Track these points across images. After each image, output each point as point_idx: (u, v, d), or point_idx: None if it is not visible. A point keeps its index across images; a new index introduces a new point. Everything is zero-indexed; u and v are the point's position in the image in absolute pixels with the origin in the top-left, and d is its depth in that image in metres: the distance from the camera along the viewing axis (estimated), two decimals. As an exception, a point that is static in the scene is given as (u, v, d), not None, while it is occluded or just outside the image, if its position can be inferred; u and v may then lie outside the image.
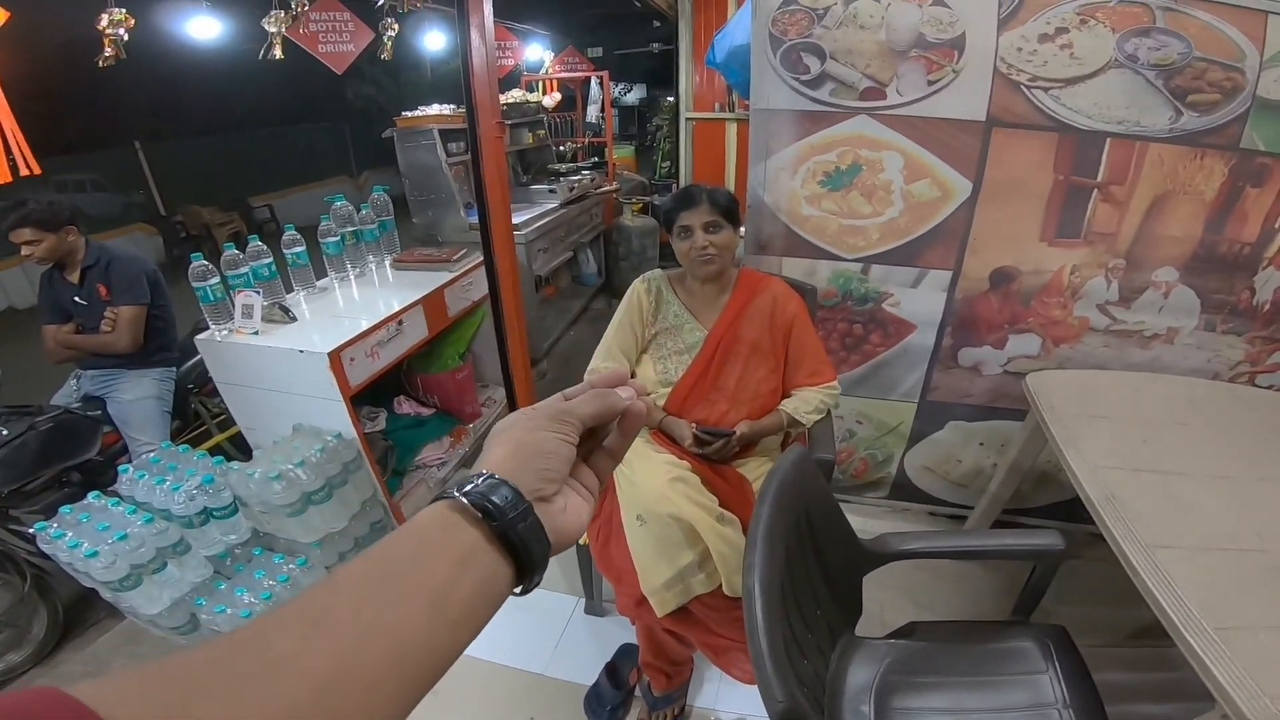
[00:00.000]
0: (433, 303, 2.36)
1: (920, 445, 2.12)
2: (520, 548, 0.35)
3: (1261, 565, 1.05)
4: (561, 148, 5.23)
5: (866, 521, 2.19)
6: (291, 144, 10.08)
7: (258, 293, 2.02)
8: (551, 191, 3.92)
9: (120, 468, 1.85)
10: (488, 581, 0.33)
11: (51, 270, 2.17)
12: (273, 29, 2.71)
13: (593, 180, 4.36)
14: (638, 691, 1.62)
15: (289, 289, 2.28)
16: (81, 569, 1.60)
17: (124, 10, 2.36)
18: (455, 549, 0.33)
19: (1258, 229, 1.63)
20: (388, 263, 2.67)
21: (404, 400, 2.70)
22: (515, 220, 3.04)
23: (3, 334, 5.19)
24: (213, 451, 2.15)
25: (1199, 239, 1.66)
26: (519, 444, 0.38)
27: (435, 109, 3.32)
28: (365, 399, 2.43)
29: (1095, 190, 1.66)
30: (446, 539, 0.33)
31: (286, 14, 2.73)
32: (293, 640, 0.27)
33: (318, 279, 2.41)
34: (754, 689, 0.84)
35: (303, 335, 1.97)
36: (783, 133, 1.77)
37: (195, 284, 1.94)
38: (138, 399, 2.21)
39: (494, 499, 0.34)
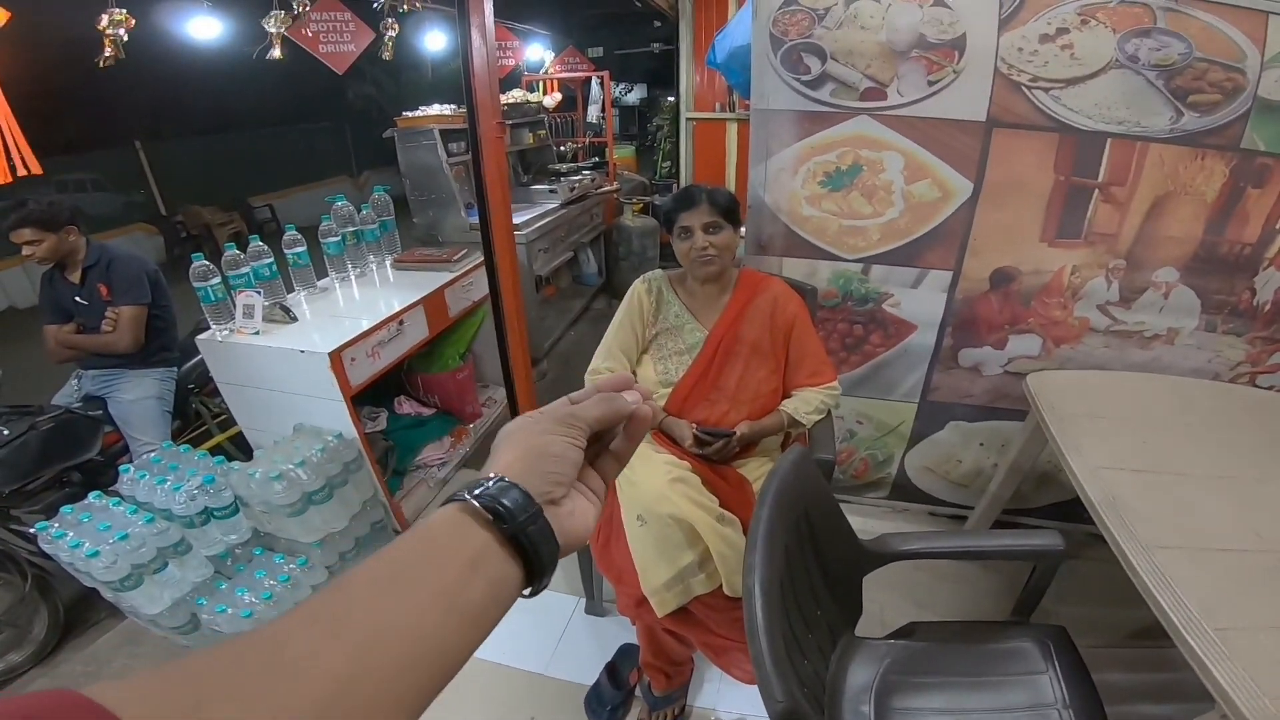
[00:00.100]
0: (433, 303, 2.36)
1: (920, 445, 2.12)
2: (530, 550, 0.35)
3: (1261, 566, 1.05)
4: (562, 148, 5.23)
5: (867, 522, 2.19)
6: (292, 144, 10.08)
7: (259, 293, 2.02)
8: (552, 191, 3.92)
9: (121, 468, 1.85)
10: (498, 583, 0.34)
11: (52, 270, 2.18)
12: (273, 29, 2.72)
13: (593, 180, 4.36)
14: (638, 691, 1.62)
15: (290, 289, 2.29)
16: (82, 569, 1.61)
17: (124, 10, 2.36)
18: (466, 551, 0.33)
19: (1258, 229, 1.63)
20: (388, 263, 2.67)
21: (405, 400, 2.71)
22: (516, 220, 3.04)
23: (3, 334, 5.20)
24: (213, 451, 2.15)
25: (1199, 239, 1.66)
26: (527, 447, 0.38)
27: (436, 109, 3.32)
28: (366, 399, 2.43)
29: (1096, 191, 1.66)
30: (457, 541, 0.33)
31: (287, 14, 2.73)
32: (307, 641, 0.27)
33: (318, 279, 2.41)
34: (754, 689, 0.84)
35: (304, 335, 1.98)
36: (783, 133, 1.77)
37: (196, 284, 1.94)
38: (139, 399, 2.21)
39: (504, 502, 0.34)
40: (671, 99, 5.74)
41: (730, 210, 1.49)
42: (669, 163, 6.12)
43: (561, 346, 3.88)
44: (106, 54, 2.38)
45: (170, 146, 8.19)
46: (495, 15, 1.96)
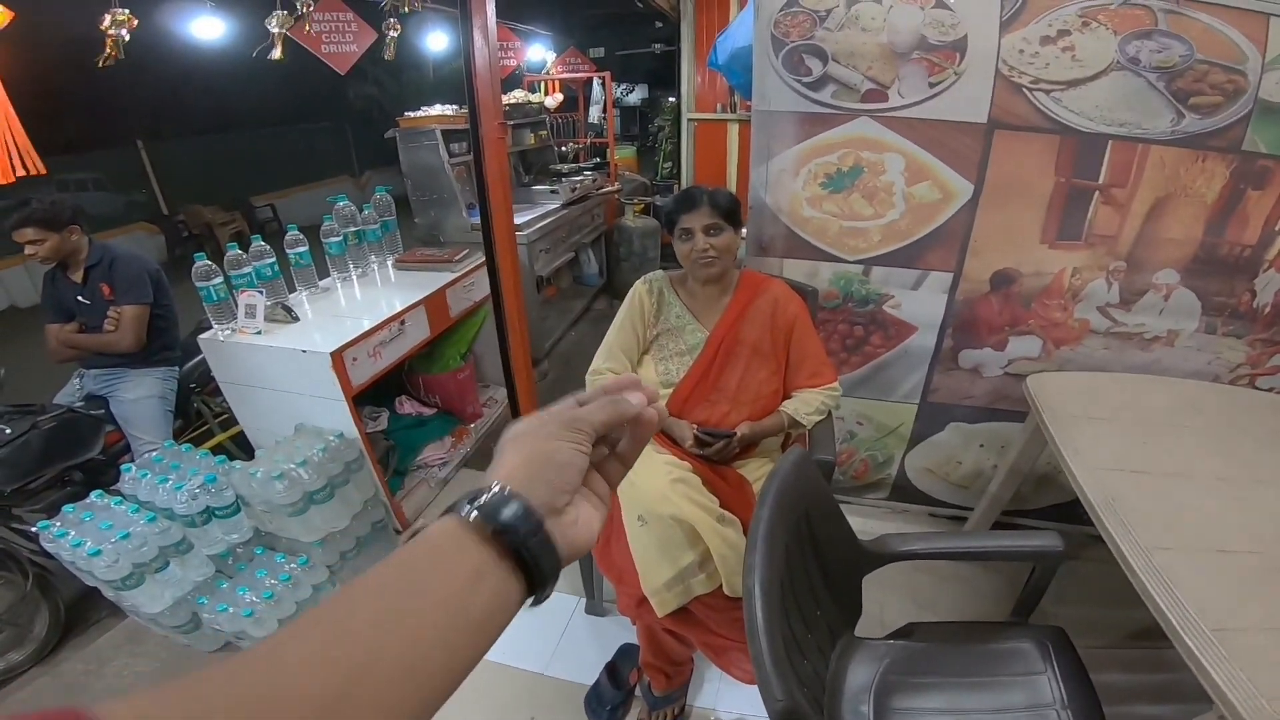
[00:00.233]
0: (434, 303, 2.36)
1: (921, 447, 2.12)
2: (531, 564, 0.35)
3: (1259, 567, 1.05)
4: (563, 148, 5.24)
5: (867, 523, 2.20)
6: (294, 144, 10.10)
7: (261, 292, 2.03)
8: (553, 192, 3.93)
9: (123, 467, 1.86)
10: (500, 594, 0.34)
11: (55, 270, 2.18)
12: (276, 29, 2.72)
13: (594, 181, 4.36)
14: (638, 691, 1.63)
15: (291, 289, 2.29)
16: (84, 568, 1.61)
17: (127, 11, 2.37)
18: (467, 565, 0.33)
19: (1258, 231, 1.63)
20: (390, 263, 2.68)
21: (406, 400, 2.71)
22: (517, 221, 3.04)
23: (5, 333, 5.21)
24: (215, 451, 2.15)
25: (1200, 241, 1.66)
26: (532, 453, 0.37)
27: (438, 109, 3.33)
28: (367, 399, 2.44)
29: (1096, 192, 1.66)
30: (459, 555, 0.33)
31: (290, 14, 2.74)
32: (308, 652, 0.27)
33: (320, 279, 2.42)
34: (754, 689, 0.84)
35: (305, 335, 1.98)
36: (784, 134, 1.78)
37: (198, 283, 1.94)
38: (140, 398, 2.22)
39: (505, 515, 0.34)
40: (673, 100, 5.73)
41: (731, 212, 1.49)
42: (670, 163, 6.12)
43: (562, 347, 3.88)
44: (106, 54, 2.39)
45: (172, 146, 8.21)
46: (497, 16, 1.96)
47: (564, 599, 1.92)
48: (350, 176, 10.76)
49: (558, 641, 1.80)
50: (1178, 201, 1.63)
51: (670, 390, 1.54)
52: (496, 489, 0.35)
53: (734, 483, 1.47)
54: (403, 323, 2.17)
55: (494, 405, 2.97)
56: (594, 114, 6.04)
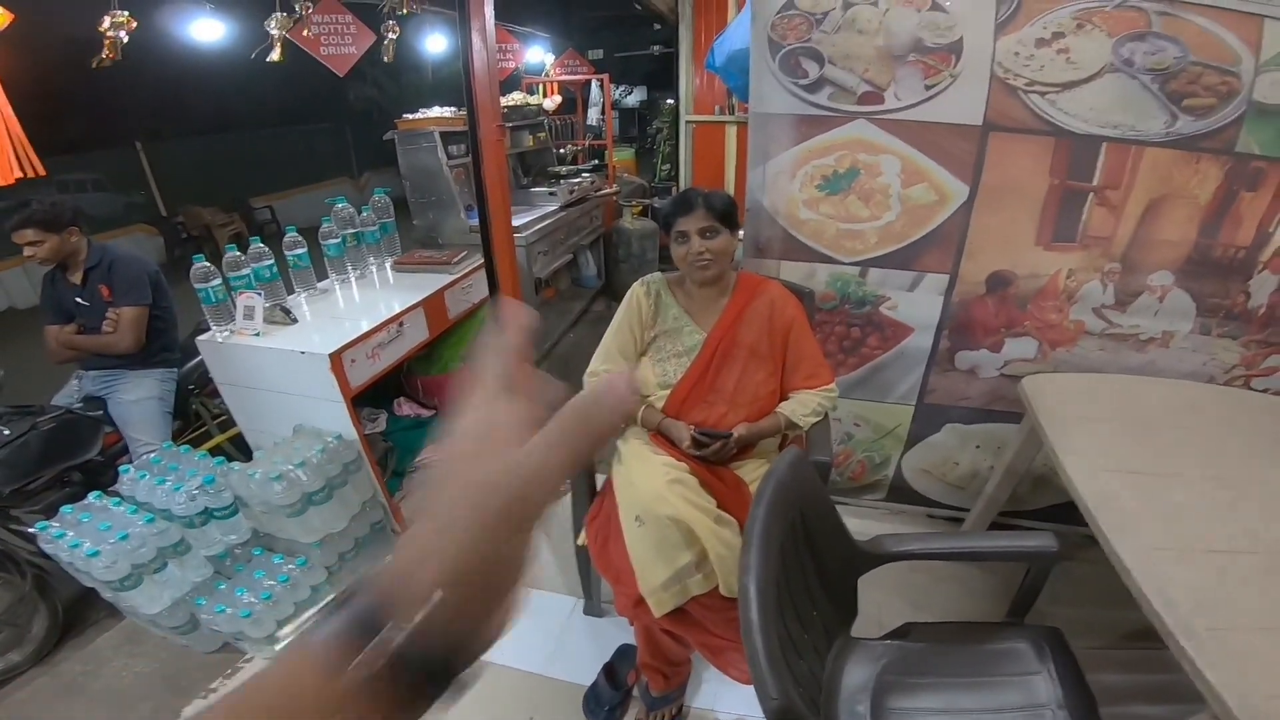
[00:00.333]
0: (433, 305, 2.37)
1: (918, 448, 2.13)
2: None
3: (1252, 566, 1.05)
4: (562, 150, 5.24)
5: (864, 524, 2.20)
6: (293, 145, 10.10)
7: (259, 294, 2.03)
8: (551, 194, 3.93)
9: (121, 468, 1.86)
10: None
11: (54, 271, 2.18)
12: (275, 31, 2.73)
13: (593, 183, 4.37)
14: (636, 692, 1.63)
15: (290, 290, 2.29)
16: (82, 568, 1.61)
17: (126, 13, 2.37)
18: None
19: (1252, 233, 1.64)
20: (388, 264, 2.68)
21: (404, 402, 2.72)
22: (515, 223, 3.05)
23: (4, 334, 5.20)
24: (213, 452, 2.16)
25: (1194, 243, 1.67)
26: (465, 566, 0.25)
27: (436, 111, 3.33)
28: (366, 400, 2.44)
29: (1091, 194, 1.67)
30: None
31: (289, 16, 2.74)
32: None
33: (319, 280, 2.42)
34: (752, 690, 0.85)
35: (304, 337, 1.98)
36: (781, 136, 1.79)
37: (197, 285, 1.95)
38: (139, 399, 2.22)
39: (429, 665, 0.26)
40: (671, 102, 5.76)
41: (727, 214, 1.49)
42: (668, 165, 6.14)
43: (561, 349, 3.89)
44: (103, 55, 2.39)
45: (171, 147, 8.21)
46: (495, 18, 1.97)
47: (562, 600, 1.93)
48: (349, 178, 10.76)
49: (556, 642, 1.80)
50: (1172, 203, 1.64)
51: (668, 392, 1.55)
52: (408, 632, 0.25)
53: (731, 484, 1.47)
54: (401, 324, 2.17)
55: (492, 406, 2.97)
56: (592, 116, 6.06)
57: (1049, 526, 1.70)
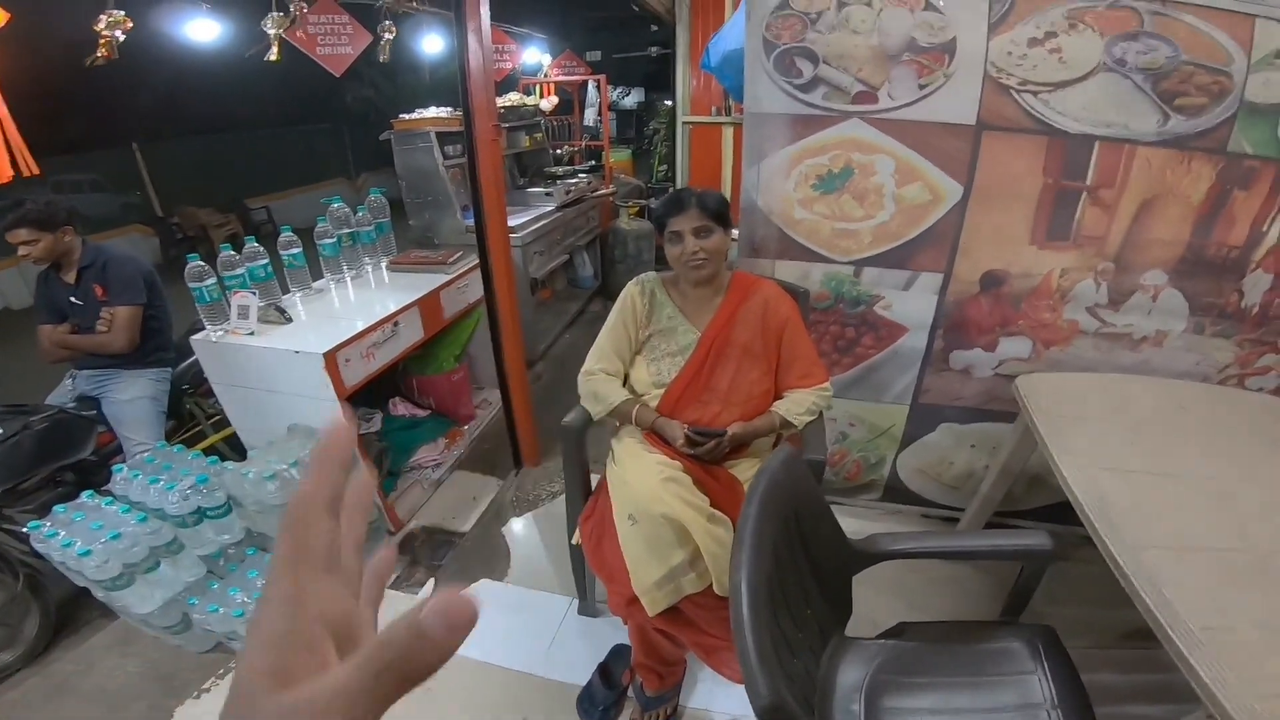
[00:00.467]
0: (428, 305, 2.36)
1: (912, 448, 2.13)
2: None
3: (1246, 565, 1.06)
4: (559, 151, 5.25)
5: (860, 524, 2.20)
6: (289, 146, 10.09)
7: (254, 294, 2.03)
8: (548, 194, 3.94)
9: (114, 467, 1.85)
10: None
11: (48, 270, 2.18)
12: (272, 31, 2.73)
13: (589, 183, 4.37)
14: (630, 692, 1.63)
15: (285, 290, 2.29)
16: (75, 568, 1.60)
17: (122, 12, 2.37)
18: None
19: (1245, 232, 1.64)
20: (384, 264, 2.68)
21: (399, 402, 2.71)
22: (511, 223, 3.06)
23: (-1, 334, 5.18)
24: (207, 452, 2.15)
25: (1187, 242, 1.68)
26: None
27: (432, 111, 3.33)
28: (361, 400, 2.43)
29: (1084, 193, 1.68)
30: None
31: (285, 16, 2.74)
32: None
33: (314, 280, 2.41)
34: (744, 687, 0.84)
35: (298, 336, 1.98)
36: (776, 136, 1.79)
37: (192, 284, 1.94)
38: (133, 399, 2.21)
39: None
40: (668, 102, 5.76)
41: (720, 213, 1.50)
42: (665, 166, 6.14)
43: (557, 349, 3.89)
44: (98, 54, 2.38)
45: (167, 148, 8.18)
46: (492, 18, 1.97)
47: (556, 599, 1.92)
48: (346, 179, 10.75)
49: (550, 642, 1.80)
50: (1165, 202, 1.65)
51: (662, 390, 1.55)
52: None
53: (725, 482, 1.47)
54: (396, 324, 2.17)
55: (488, 407, 2.97)
56: (589, 117, 6.07)
57: (1044, 526, 1.71)
